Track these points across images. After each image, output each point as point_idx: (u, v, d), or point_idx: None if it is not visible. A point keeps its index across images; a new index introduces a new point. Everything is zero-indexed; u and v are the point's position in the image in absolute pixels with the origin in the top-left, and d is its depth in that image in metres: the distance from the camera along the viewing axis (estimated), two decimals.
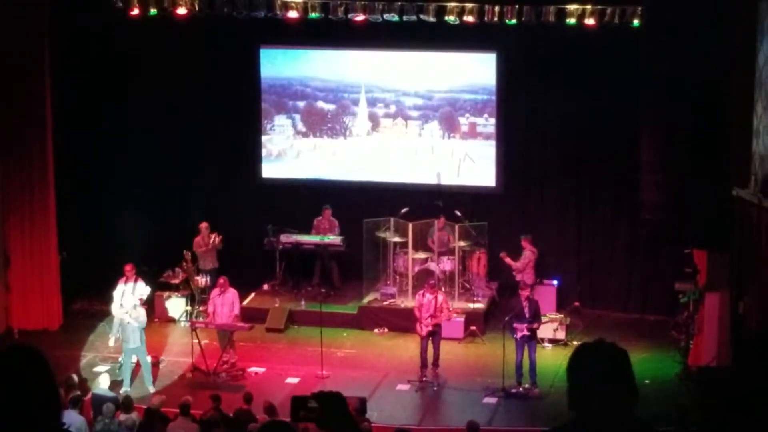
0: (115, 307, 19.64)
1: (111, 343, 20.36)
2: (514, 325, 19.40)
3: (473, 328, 21.85)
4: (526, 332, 19.33)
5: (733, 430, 15.25)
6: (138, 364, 19.62)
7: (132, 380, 19.35)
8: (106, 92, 23.96)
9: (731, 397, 15.80)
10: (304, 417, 6.01)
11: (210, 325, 20.35)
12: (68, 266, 22.80)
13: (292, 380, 19.81)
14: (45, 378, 5.17)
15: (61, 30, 22.42)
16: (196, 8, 22.15)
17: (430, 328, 19.73)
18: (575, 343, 21.57)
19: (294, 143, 24.73)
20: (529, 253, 22.39)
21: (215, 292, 20.53)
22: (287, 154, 24.81)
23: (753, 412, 14.75)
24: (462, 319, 21.76)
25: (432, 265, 22.86)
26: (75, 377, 17.49)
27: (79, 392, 16.41)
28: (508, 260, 22.38)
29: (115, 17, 22.48)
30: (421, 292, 20.26)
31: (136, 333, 19.31)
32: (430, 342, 19.81)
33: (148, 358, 19.64)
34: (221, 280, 20.56)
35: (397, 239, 22.97)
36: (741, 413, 15.10)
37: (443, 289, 22.26)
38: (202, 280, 22.50)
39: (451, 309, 20.53)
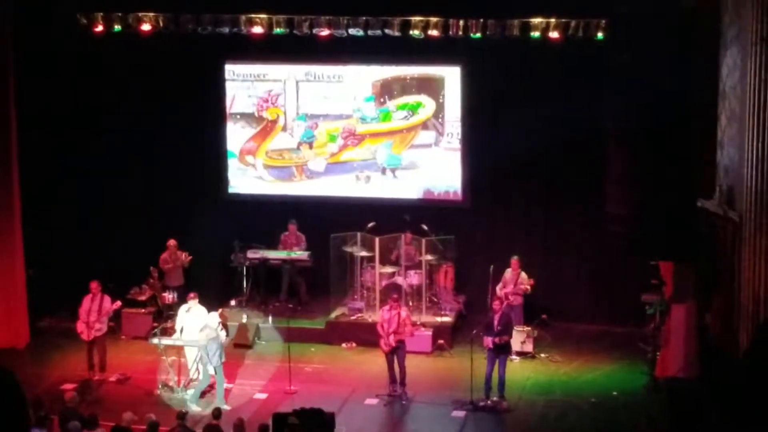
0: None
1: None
2: (483, 336, 19.42)
3: (441, 341, 21.86)
4: (490, 345, 19.32)
5: None
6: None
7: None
8: (72, 110, 23.88)
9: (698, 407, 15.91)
10: None
11: (178, 341, 20.27)
12: (35, 284, 22.68)
13: (260, 396, 19.77)
14: (16, 400, 5.15)
15: (26, 46, 22.35)
16: (161, 24, 22.19)
17: (393, 345, 19.70)
18: (543, 355, 21.64)
19: (260, 158, 24.66)
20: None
21: (183, 308, 20.45)
22: (255, 168, 24.75)
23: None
24: (430, 332, 21.78)
25: (399, 280, 22.86)
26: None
27: (45, 411, 16.34)
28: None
29: (80, 34, 22.47)
30: (384, 307, 20.25)
31: (218, 352, 19.42)
32: (395, 358, 19.79)
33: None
34: (192, 295, 20.50)
35: (364, 254, 22.96)
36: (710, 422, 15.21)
37: (410, 304, 22.28)
38: (168, 297, 22.43)
39: (413, 324, 20.49)
